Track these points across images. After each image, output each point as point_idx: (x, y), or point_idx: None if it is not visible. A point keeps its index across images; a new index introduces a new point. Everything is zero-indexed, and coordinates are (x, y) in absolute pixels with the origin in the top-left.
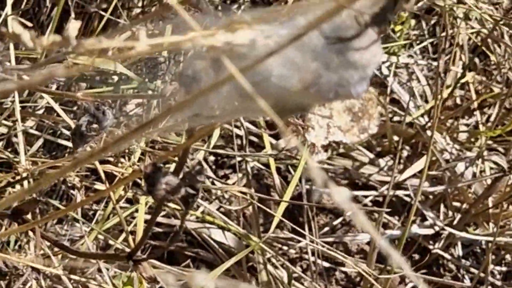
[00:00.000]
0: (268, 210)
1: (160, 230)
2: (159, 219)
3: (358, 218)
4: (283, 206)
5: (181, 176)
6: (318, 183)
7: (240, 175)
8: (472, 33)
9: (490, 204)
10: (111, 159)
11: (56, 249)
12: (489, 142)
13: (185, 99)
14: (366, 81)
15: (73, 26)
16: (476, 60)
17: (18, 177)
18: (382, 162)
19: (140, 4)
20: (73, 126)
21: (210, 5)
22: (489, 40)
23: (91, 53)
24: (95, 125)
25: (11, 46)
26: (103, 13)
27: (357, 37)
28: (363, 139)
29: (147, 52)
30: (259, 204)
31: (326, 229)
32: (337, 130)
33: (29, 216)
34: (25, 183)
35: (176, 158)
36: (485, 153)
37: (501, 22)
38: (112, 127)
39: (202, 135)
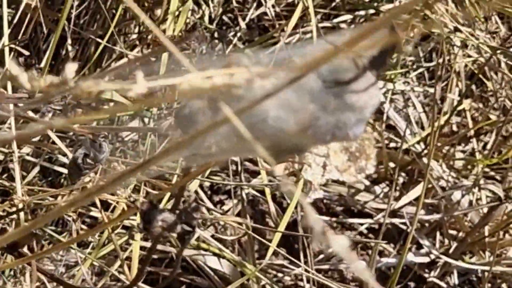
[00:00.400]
0: (263, 240)
1: (155, 256)
2: None
3: (356, 267)
4: (278, 234)
5: (177, 212)
6: (317, 232)
7: (235, 201)
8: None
9: (487, 233)
10: None
11: None
12: (486, 169)
13: (182, 140)
14: (364, 123)
15: (70, 68)
16: (473, 87)
17: (14, 208)
18: (377, 189)
19: (136, 30)
20: (69, 153)
21: (206, 32)
22: (486, 67)
23: (89, 94)
24: (92, 155)
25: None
26: (99, 40)
27: (355, 80)
28: (360, 179)
29: (146, 95)
30: (254, 235)
31: (321, 256)
32: (334, 168)
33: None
34: (22, 214)
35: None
36: (482, 181)
37: (498, 51)
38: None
39: (198, 173)
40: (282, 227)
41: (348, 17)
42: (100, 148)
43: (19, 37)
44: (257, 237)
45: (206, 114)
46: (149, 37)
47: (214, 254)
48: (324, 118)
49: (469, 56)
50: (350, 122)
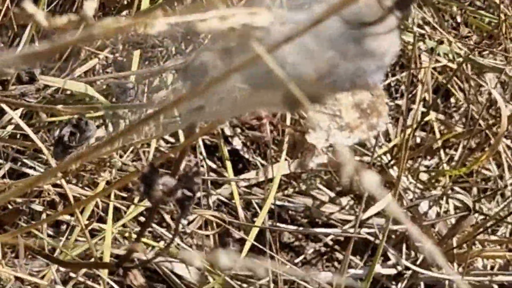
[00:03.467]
0: (238, 233)
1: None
2: None
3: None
4: (255, 229)
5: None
6: (349, 169)
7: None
8: (437, 67)
9: (455, 244)
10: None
11: None
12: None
13: (194, 89)
14: (383, 70)
15: (89, 5)
16: (438, 100)
17: None
18: (343, 200)
19: None
20: (43, 148)
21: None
22: (454, 77)
23: (109, 32)
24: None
25: None
26: None
27: (377, 23)
28: (371, 136)
29: (164, 31)
30: (231, 228)
31: (287, 267)
32: (338, 132)
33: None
34: None
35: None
36: (449, 192)
37: (471, 55)
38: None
39: (201, 134)
40: (259, 221)
41: None
42: (87, 125)
43: None
44: (234, 230)
45: (217, 65)
46: None
47: (182, 261)
48: (344, 65)
49: (438, 61)
50: (370, 69)
